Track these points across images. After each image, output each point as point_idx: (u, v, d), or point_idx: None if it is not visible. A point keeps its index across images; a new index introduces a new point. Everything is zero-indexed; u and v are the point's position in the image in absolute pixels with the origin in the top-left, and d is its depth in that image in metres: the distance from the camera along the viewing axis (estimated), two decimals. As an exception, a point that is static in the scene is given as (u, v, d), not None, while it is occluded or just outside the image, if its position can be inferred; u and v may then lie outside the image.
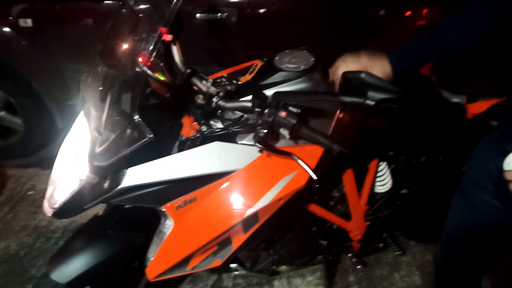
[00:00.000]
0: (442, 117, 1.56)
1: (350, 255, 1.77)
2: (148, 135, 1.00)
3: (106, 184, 1.10)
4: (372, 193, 1.66)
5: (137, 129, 1.03)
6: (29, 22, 2.39)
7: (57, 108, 2.69)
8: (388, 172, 1.67)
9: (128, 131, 1.04)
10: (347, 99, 0.99)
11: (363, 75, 0.96)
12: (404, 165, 1.70)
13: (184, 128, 1.28)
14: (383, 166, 1.63)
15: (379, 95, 0.94)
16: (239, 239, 1.21)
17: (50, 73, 2.55)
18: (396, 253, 1.83)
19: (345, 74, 1.01)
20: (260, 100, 1.07)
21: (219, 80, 1.23)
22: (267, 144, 1.07)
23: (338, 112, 1.20)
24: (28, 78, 2.58)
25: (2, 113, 2.71)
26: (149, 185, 1.11)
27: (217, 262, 1.26)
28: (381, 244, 1.84)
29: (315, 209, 1.51)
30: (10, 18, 2.40)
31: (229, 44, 2.30)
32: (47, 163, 2.75)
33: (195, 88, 1.25)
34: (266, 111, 1.03)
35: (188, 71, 1.22)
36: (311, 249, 1.72)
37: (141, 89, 1.03)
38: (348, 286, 1.95)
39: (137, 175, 1.10)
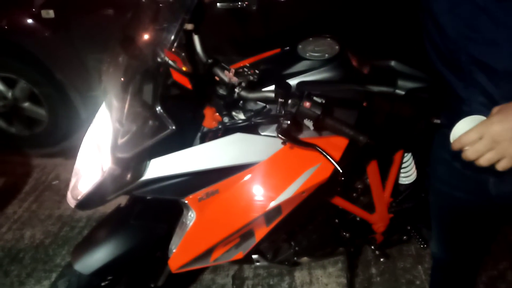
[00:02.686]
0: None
1: (372, 247, 1.74)
2: (170, 127, 0.99)
3: (128, 176, 1.09)
4: (396, 185, 1.62)
5: (159, 121, 1.02)
6: (51, 13, 2.40)
7: (80, 98, 2.71)
8: (413, 164, 1.62)
9: (150, 122, 1.03)
10: (376, 88, 0.96)
11: (393, 63, 0.92)
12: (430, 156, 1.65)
13: (206, 119, 1.27)
14: (408, 157, 1.59)
15: (410, 84, 0.91)
16: (261, 232, 1.20)
17: (73, 63, 2.56)
18: (420, 246, 1.79)
19: (374, 62, 0.98)
20: (283, 90, 1.05)
21: (241, 70, 1.20)
22: (290, 135, 1.05)
23: (364, 102, 1.16)
24: (51, 69, 2.60)
25: (27, 104, 2.75)
26: (171, 177, 1.11)
27: (239, 254, 1.25)
28: (404, 237, 1.80)
29: (338, 201, 1.48)
30: (33, 9, 2.42)
31: (250, 33, 2.27)
32: (71, 153, 2.76)
33: (217, 78, 1.23)
34: (289, 101, 1.01)
35: (210, 61, 1.21)
36: (333, 240, 1.70)
37: (162, 80, 1.02)
38: (370, 278, 1.93)
39: (159, 167, 1.10)
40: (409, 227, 1.78)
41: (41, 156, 2.89)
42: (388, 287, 1.88)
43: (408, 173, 1.63)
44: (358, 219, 1.62)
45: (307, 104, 0.99)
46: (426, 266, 1.96)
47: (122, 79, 1.05)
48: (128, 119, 1.05)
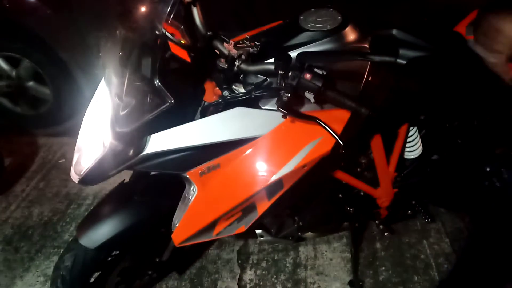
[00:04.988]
0: (478, 77, 1.46)
1: (377, 222, 1.74)
2: (168, 100, 0.98)
3: (129, 151, 1.09)
4: (401, 159, 1.61)
5: (158, 95, 1.01)
6: (52, -9, 2.38)
7: (84, 77, 2.70)
8: (418, 138, 1.60)
9: (149, 96, 1.02)
10: (377, 58, 0.93)
11: (394, 32, 0.90)
12: (436, 130, 1.63)
13: (206, 94, 1.25)
14: (413, 131, 1.57)
15: (411, 53, 0.88)
16: (263, 205, 1.20)
17: (76, 42, 2.54)
18: (425, 221, 1.79)
19: (375, 31, 0.95)
20: (283, 61, 1.03)
21: (241, 42, 1.18)
22: (291, 108, 1.04)
23: (366, 73, 1.14)
24: (54, 48, 2.58)
25: (31, 83, 2.75)
26: (172, 152, 1.10)
27: (242, 228, 1.25)
28: (409, 212, 1.79)
29: (341, 175, 1.47)
30: (34, -13, 2.39)
31: (253, 6, 2.22)
32: (77, 132, 2.79)
33: (217, 51, 1.22)
34: (290, 73, 0.99)
35: (209, 33, 1.19)
36: (337, 216, 1.70)
37: (160, 53, 1.00)
38: (375, 253, 1.93)
39: (160, 142, 1.09)
40: (414, 202, 1.77)
41: (47, 135, 2.91)
42: (393, 261, 1.89)
43: (413, 148, 1.61)
44: (362, 194, 1.62)
45: (308, 76, 0.97)
46: (431, 241, 1.96)
47: (120, 53, 1.03)
48: (127, 93, 1.04)
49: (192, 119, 1.20)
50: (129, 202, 1.35)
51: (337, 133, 1.03)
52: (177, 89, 1.04)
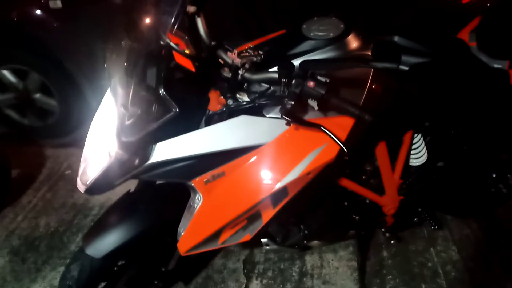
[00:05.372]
0: (481, 83, 1.47)
1: (383, 230, 1.73)
2: (173, 109, 0.99)
3: (135, 160, 1.10)
4: (406, 166, 1.60)
5: (162, 104, 1.02)
6: (58, 3, 2.41)
7: (90, 88, 2.73)
8: (423, 144, 1.60)
9: (155, 106, 1.03)
10: (380, 65, 0.94)
11: (396, 38, 0.90)
12: (441, 137, 1.63)
13: (211, 103, 1.26)
14: (418, 138, 1.56)
15: (413, 59, 0.89)
16: (268, 213, 1.20)
17: (82, 53, 2.58)
18: (431, 228, 1.78)
19: (377, 38, 0.96)
20: (286, 70, 1.04)
21: (245, 51, 1.19)
22: (295, 116, 1.04)
23: (370, 80, 1.14)
24: (61, 60, 2.62)
25: (38, 95, 2.78)
26: (177, 160, 1.11)
27: (247, 236, 1.25)
28: (416, 219, 1.78)
29: (346, 183, 1.47)
30: (42, 0, 2.43)
31: (256, 16, 2.25)
32: (83, 143, 2.82)
33: (221, 61, 1.23)
34: (293, 81, 1.00)
35: (213, 43, 1.20)
36: (343, 224, 1.69)
37: (165, 63, 1.02)
38: (382, 261, 1.92)
39: (165, 150, 1.10)
40: (420, 209, 1.76)
41: (54, 146, 2.93)
42: (400, 269, 1.87)
43: (418, 155, 1.61)
44: (367, 201, 1.61)
45: (311, 83, 0.97)
46: (438, 249, 1.95)
47: (125, 63, 1.05)
48: (133, 103, 1.05)
49: (197, 128, 1.20)
50: (134, 212, 1.36)
51: (341, 140, 1.03)
52: (181, 98, 1.05)
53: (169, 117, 1.00)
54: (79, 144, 2.82)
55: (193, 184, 1.15)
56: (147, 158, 1.09)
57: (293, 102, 1.00)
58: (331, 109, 1.10)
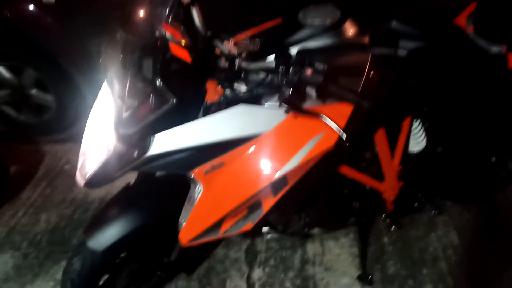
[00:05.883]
0: (479, 68, 1.46)
1: (384, 216, 1.74)
2: (171, 100, 0.98)
3: (134, 152, 1.10)
4: (406, 152, 1.60)
5: (160, 95, 1.01)
6: (52, -1, 2.39)
7: (86, 83, 2.72)
8: (422, 130, 1.60)
9: (152, 97, 1.03)
10: (377, 50, 0.93)
11: (394, 24, 0.90)
12: (439, 122, 1.63)
13: (208, 93, 1.25)
14: (417, 124, 1.56)
15: (411, 44, 0.88)
16: (269, 202, 1.20)
17: (77, 49, 2.56)
18: (432, 213, 1.78)
19: (375, 24, 0.95)
20: (284, 58, 1.03)
21: (241, 41, 1.18)
22: (293, 104, 1.04)
23: (368, 66, 1.14)
24: (56, 55, 2.60)
25: (34, 91, 2.76)
26: (176, 152, 1.11)
27: (248, 225, 1.25)
28: (416, 205, 1.79)
29: (346, 170, 1.47)
30: (34, -4, 2.41)
31: (252, 8, 2.22)
32: (81, 137, 2.81)
33: (218, 51, 1.22)
34: (290, 70, 1.00)
35: (209, 33, 1.19)
36: (344, 211, 1.70)
37: (161, 54, 1.01)
38: (383, 247, 1.93)
39: (164, 142, 1.10)
40: (420, 195, 1.76)
41: (51, 142, 2.92)
42: (401, 255, 1.88)
43: (417, 140, 1.61)
44: (367, 188, 1.62)
45: (309, 71, 0.97)
46: (439, 234, 1.96)
47: (121, 56, 1.04)
48: (130, 95, 1.05)
49: (194, 118, 1.20)
50: (135, 204, 1.35)
51: (340, 127, 1.03)
52: (179, 89, 1.04)
53: (167, 108, 1.00)
54: (76, 139, 2.86)
55: (192, 175, 1.15)
56: (146, 150, 1.09)
57: (291, 90, 0.99)
58: (329, 97, 1.09)
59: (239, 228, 1.25)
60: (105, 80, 1.18)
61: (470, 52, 1.44)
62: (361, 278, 1.77)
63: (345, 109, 1.12)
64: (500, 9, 1.52)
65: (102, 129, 1.14)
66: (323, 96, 1.07)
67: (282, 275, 1.85)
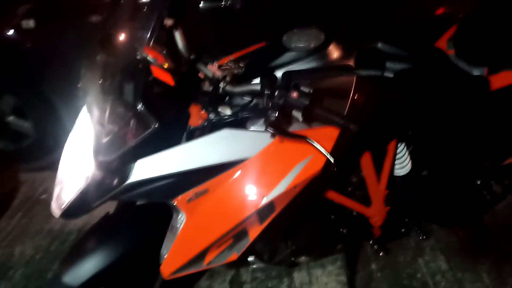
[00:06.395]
0: (462, 91, 1.47)
1: (371, 242, 1.70)
2: (153, 125, 0.95)
3: (113, 180, 1.05)
4: (391, 176, 1.59)
5: (141, 120, 0.98)
6: (31, 23, 2.36)
7: (66, 109, 2.67)
8: (407, 154, 1.59)
9: (133, 122, 0.99)
10: (363, 72, 0.92)
11: (379, 45, 0.89)
12: (424, 145, 1.62)
13: (192, 118, 1.22)
14: (401, 147, 1.55)
15: (398, 66, 0.87)
16: (255, 230, 1.16)
17: (58, 74, 2.52)
18: (419, 238, 1.75)
19: (360, 45, 0.95)
20: (269, 81, 1.01)
21: (225, 65, 1.16)
22: (279, 128, 1.01)
23: (353, 88, 1.13)
24: (35, 80, 2.55)
25: (11, 118, 2.69)
26: (158, 179, 1.06)
27: (234, 255, 1.20)
28: (403, 230, 1.76)
29: (333, 195, 1.44)
30: (14, 20, 2.37)
31: (236, 31, 2.24)
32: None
33: (201, 75, 1.20)
34: (276, 93, 0.97)
35: (192, 56, 1.17)
36: (331, 237, 1.65)
37: (143, 77, 0.98)
38: (371, 274, 1.89)
39: (145, 169, 1.05)
40: (407, 220, 1.74)
41: (29, 170, 2.83)
42: (389, 282, 1.84)
43: (402, 164, 1.60)
44: (354, 213, 1.58)
45: (294, 94, 0.95)
46: (427, 259, 1.92)
47: (101, 79, 1.00)
48: (110, 120, 1.01)
49: (177, 144, 1.16)
50: (114, 235, 1.29)
51: (327, 151, 1.01)
52: (161, 113, 1.01)
53: (149, 133, 0.96)
54: (55, 167, 2.75)
55: (175, 204, 1.10)
56: (126, 178, 1.04)
57: (276, 114, 0.97)
58: (315, 120, 1.07)
59: (224, 258, 1.20)
60: (84, 105, 1.14)
61: (453, 75, 1.45)
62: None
63: (332, 132, 1.09)
64: (480, 32, 1.55)
65: (79, 156, 1.09)
66: (309, 119, 1.05)
67: (269, 306, 1.79)
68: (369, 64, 0.90)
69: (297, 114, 0.99)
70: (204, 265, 1.20)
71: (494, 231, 2.00)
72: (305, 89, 0.96)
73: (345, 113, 1.10)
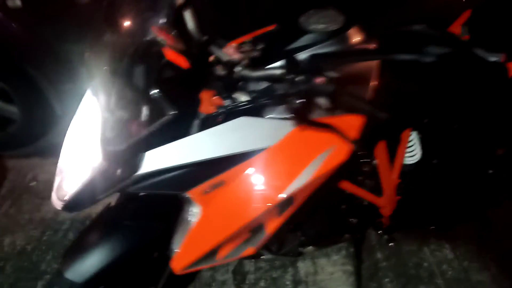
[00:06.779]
0: (479, 77, 1.42)
1: (379, 232, 1.66)
2: (171, 112, 0.87)
3: (122, 171, 0.97)
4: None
5: (156, 106, 0.89)
6: (18, 2, 2.22)
7: (55, 93, 2.54)
8: (418, 142, 1.54)
9: (145, 109, 0.91)
10: (398, 57, 0.85)
11: (419, 27, 0.82)
12: (435, 133, 1.57)
13: (202, 104, 1.14)
14: (413, 135, 1.50)
15: (438, 50, 0.81)
16: (273, 224, 1.09)
17: (45, 56, 2.39)
18: (425, 228, 1.73)
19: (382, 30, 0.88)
20: (291, 65, 0.94)
21: (241, 47, 1.08)
22: (302, 116, 0.95)
23: (374, 74, 1.06)
24: (22, 63, 2.42)
25: (-4, 103, 2.55)
26: (170, 170, 0.99)
27: (249, 250, 1.14)
28: (411, 219, 1.72)
29: (346, 185, 1.39)
30: (-1, -1, 2.23)
31: (250, 12, 2.13)
32: (49, 152, 2.62)
33: (212, 58, 1.12)
34: (299, 78, 0.90)
35: (205, 38, 1.08)
36: (340, 228, 1.61)
37: (156, 61, 0.89)
38: (376, 263, 1.86)
39: (157, 159, 0.97)
40: (415, 209, 1.70)
41: (16, 157, 2.71)
42: (396, 271, 1.81)
43: (412, 153, 1.55)
44: (365, 203, 1.54)
45: (320, 79, 0.88)
46: (432, 248, 1.90)
47: (109, 62, 0.91)
48: (119, 106, 0.92)
49: (187, 132, 1.08)
50: (118, 227, 1.22)
51: (352, 140, 0.95)
52: (172, 99, 0.93)
53: (165, 120, 0.88)
54: (44, 154, 2.66)
55: (189, 196, 1.03)
56: (136, 169, 0.96)
57: (300, 101, 0.90)
58: (340, 107, 1.00)
59: (240, 252, 1.14)
60: (89, 88, 1.05)
61: (470, 61, 1.40)
62: (358, 298, 1.69)
63: (357, 120, 1.03)
64: (497, 17, 1.50)
65: (84, 145, 1.00)
66: (333, 106, 0.98)
67: (274, 297, 1.74)
68: (404, 47, 0.84)
69: (321, 101, 0.92)
70: (218, 259, 1.13)
71: (501, 220, 1.98)
72: (331, 74, 0.89)
73: (371, 100, 1.04)
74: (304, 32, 1.10)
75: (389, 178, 1.49)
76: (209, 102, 1.13)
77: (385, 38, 0.96)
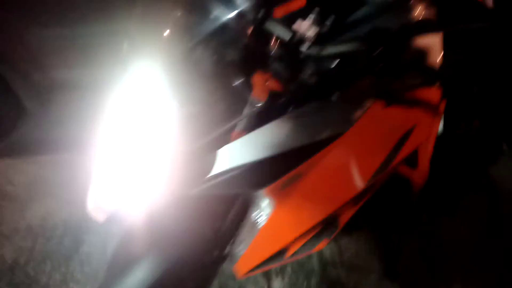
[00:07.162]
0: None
1: (408, 206, 1.64)
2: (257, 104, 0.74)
3: (193, 173, 0.84)
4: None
5: (237, 96, 0.77)
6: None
7: (23, 84, 2.25)
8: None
9: (226, 99, 0.77)
10: (471, 25, 0.79)
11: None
12: (459, 100, 1.55)
13: (255, 89, 1.01)
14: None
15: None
16: (348, 214, 1.02)
17: (11, 42, 2.10)
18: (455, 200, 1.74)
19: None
20: (378, 39, 0.84)
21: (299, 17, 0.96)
22: (381, 94, 0.86)
23: (441, 45, 0.98)
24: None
25: (-46, 98, 2.23)
26: (246, 166, 0.87)
27: (323, 243, 1.05)
28: (438, 190, 1.72)
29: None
30: None
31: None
32: (20, 151, 2.34)
33: (267, 34, 0.99)
34: (381, 53, 0.81)
35: (262, 12, 0.95)
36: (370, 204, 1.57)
37: (241, 41, 0.76)
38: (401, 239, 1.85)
39: (229, 156, 0.85)
40: (441, 182, 1.69)
41: (-18, 159, 2.41)
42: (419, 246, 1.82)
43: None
44: (398, 177, 1.50)
45: (411, 53, 0.79)
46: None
47: (176, 43, 0.76)
48: (189, 99, 0.78)
49: (236, 122, 0.96)
50: (164, 234, 1.08)
51: (438, 116, 0.88)
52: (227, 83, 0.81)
53: (252, 113, 0.76)
54: (14, 153, 2.37)
55: (265, 192, 0.92)
56: (210, 169, 0.84)
57: (389, 79, 0.81)
58: (415, 82, 0.93)
59: (312, 248, 1.05)
60: (132, 76, 0.88)
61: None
62: (389, 273, 1.67)
63: (434, 94, 0.96)
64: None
65: (140, 143, 0.85)
66: (409, 81, 0.91)
67: (305, 283, 1.68)
68: (456, 18, 0.78)
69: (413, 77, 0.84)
70: (286, 257, 1.04)
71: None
72: (422, 48, 0.81)
73: (445, 72, 0.97)
74: (364, 1, 1.00)
75: (426, 150, 1.45)
76: (263, 86, 1.01)
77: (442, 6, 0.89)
